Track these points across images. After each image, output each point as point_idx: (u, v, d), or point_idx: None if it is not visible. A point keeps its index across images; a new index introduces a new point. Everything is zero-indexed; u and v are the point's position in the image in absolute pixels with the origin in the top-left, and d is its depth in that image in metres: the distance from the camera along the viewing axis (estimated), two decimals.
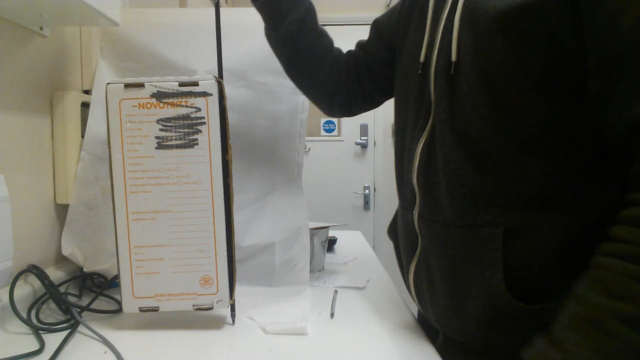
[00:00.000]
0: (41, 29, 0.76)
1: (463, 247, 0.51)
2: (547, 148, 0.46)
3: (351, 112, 0.80)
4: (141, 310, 0.64)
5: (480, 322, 0.51)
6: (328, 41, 0.74)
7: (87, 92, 0.87)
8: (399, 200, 0.66)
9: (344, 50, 0.79)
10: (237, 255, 0.69)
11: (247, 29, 0.87)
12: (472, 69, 0.48)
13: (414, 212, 0.59)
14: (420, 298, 0.61)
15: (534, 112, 0.46)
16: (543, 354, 0.43)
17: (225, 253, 0.63)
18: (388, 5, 2.76)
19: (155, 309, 0.64)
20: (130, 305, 0.64)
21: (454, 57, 0.50)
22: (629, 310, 0.38)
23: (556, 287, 0.47)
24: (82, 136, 0.82)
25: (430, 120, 0.55)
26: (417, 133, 0.57)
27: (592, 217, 0.46)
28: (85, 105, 0.83)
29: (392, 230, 0.71)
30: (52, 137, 0.80)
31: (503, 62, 0.46)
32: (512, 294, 0.48)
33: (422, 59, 0.56)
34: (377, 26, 0.74)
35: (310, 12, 0.70)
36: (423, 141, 0.56)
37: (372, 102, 0.78)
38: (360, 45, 0.77)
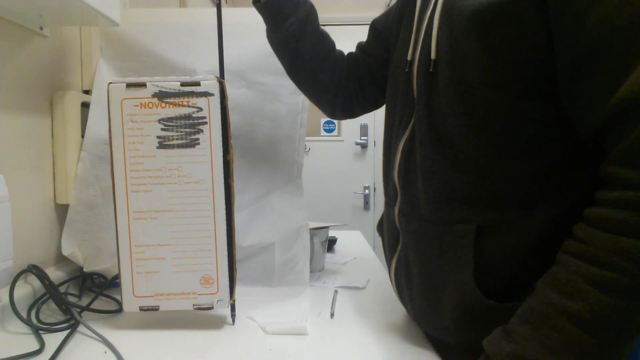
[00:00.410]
0: (41, 29, 0.76)
1: (438, 243, 0.52)
2: (521, 146, 0.47)
3: (353, 113, 0.81)
4: (141, 309, 0.64)
5: (453, 318, 0.52)
6: (329, 43, 0.74)
7: (87, 92, 0.87)
8: (384, 197, 0.67)
9: (346, 51, 0.79)
10: (237, 255, 0.69)
11: (247, 29, 0.87)
12: (447, 66, 0.49)
13: (395, 208, 0.60)
14: (400, 294, 0.62)
15: (508, 111, 0.46)
16: (495, 342, 0.45)
17: (225, 253, 0.64)
18: (388, 5, 2.76)
19: (155, 308, 0.64)
20: (130, 304, 0.64)
21: (433, 55, 0.51)
22: (576, 308, 0.39)
23: (528, 285, 0.47)
24: (82, 136, 0.82)
25: (413, 118, 0.56)
26: (400, 130, 0.58)
27: (567, 214, 0.46)
28: (85, 105, 0.82)
29: (380, 227, 0.72)
30: (52, 137, 0.80)
31: (477, 59, 0.46)
32: (484, 291, 0.49)
33: (409, 57, 0.57)
34: (374, 26, 0.75)
35: (312, 14, 0.70)
36: (405, 138, 0.57)
37: (373, 103, 0.79)
38: (359, 46, 0.78)
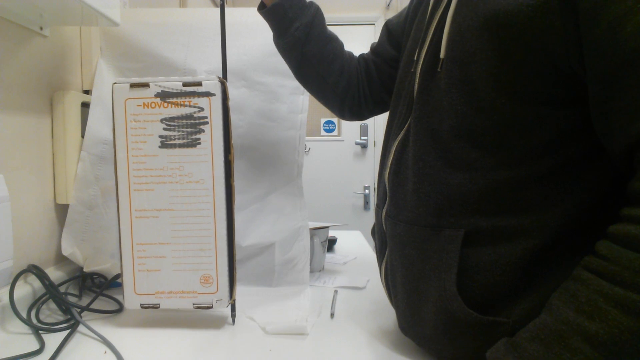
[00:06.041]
0: (41, 29, 0.76)
1: (424, 248, 0.50)
2: (518, 153, 0.45)
3: (361, 116, 0.80)
4: (142, 306, 0.64)
5: (435, 327, 0.50)
6: (337, 45, 0.74)
7: (87, 92, 0.87)
8: (376, 199, 0.65)
9: (356, 53, 0.78)
10: (237, 255, 0.69)
11: (248, 29, 0.87)
12: (453, 65, 0.47)
13: (383, 210, 0.58)
14: (391, 299, 0.60)
15: (511, 116, 0.44)
16: (500, 356, 0.42)
17: (225, 252, 0.64)
18: (388, 6, 2.76)
19: (155, 306, 0.64)
20: (131, 301, 0.64)
21: (442, 54, 0.49)
22: (593, 330, 0.37)
23: (514, 300, 0.45)
24: (82, 136, 0.82)
25: (410, 118, 0.54)
26: (397, 130, 0.57)
27: (562, 227, 0.45)
28: (85, 105, 0.82)
29: (373, 230, 0.69)
30: (52, 137, 0.80)
31: (485, 60, 0.44)
32: (466, 301, 0.46)
33: (415, 56, 0.56)
34: (387, 26, 0.74)
35: (318, 17, 0.70)
36: (399, 138, 0.55)
37: (381, 106, 0.78)
38: (371, 47, 0.77)
